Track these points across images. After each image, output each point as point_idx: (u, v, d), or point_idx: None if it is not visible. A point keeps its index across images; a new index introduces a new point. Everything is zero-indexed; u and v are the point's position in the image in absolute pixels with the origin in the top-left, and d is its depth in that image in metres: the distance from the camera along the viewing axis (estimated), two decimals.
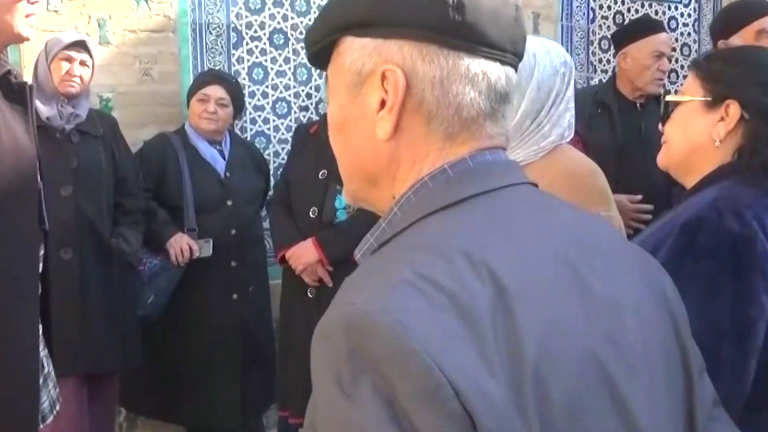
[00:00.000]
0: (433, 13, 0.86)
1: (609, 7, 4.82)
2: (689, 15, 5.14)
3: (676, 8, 5.08)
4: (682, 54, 5.13)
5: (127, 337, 3.12)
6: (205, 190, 3.36)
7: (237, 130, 3.70)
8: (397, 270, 0.76)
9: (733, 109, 1.45)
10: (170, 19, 3.55)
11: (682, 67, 5.14)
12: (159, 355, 3.29)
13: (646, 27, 3.43)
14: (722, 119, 1.47)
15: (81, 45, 3.02)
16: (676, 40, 5.08)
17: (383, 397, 0.69)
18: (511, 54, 0.90)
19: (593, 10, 4.76)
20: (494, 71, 0.88)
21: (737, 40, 2.73)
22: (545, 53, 1.81)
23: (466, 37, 0.86)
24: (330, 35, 0.92)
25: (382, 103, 0.88)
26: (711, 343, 1.22)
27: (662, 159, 1.58)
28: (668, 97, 1.60)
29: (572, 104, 1.87)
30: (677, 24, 5.10)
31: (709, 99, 1.48)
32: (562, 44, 4.64)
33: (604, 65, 4.77)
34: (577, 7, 4.70)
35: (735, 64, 1.51)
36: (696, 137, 1.50)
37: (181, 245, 3.24)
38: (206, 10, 3.65)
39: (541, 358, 0.74)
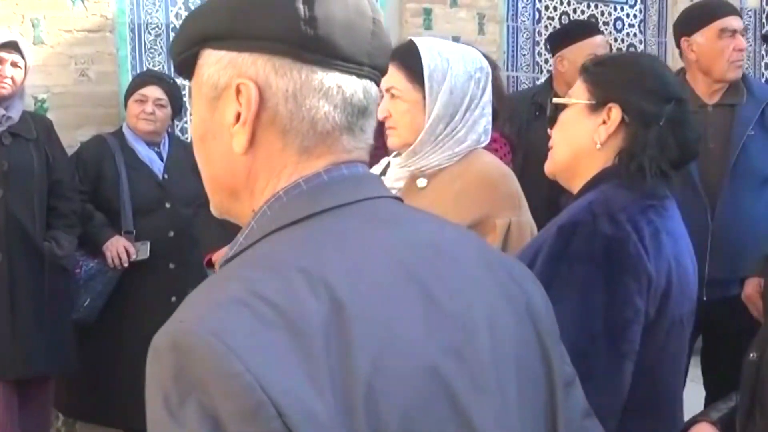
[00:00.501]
0: (286, 26, 0.85)
1: (555, 8, 4.86)
2: (635, 16, 5.20)
3: (622, 9, 5.14)
4: None
5: (62, 341, 3.08)
6: (142, 192, 3.33)
7: (177, 131, 3.67)
8: (230, 287, 0.76)
9: (615, 112, 1.47)
10: (107, 18, 3.51)
11: None
12: (96, 359, 3.25)
13: (581, 30, 3.46)
14: (604, 123, 1.48)
15: (12, 46, 2.98)
16: (622, 41, 5.15)
17: (209, 417, 0.69)
18: (368, 67, 0.90)
19: (539, 11, 4.80)
20: (350, 85, 0.88)
21: (700, 37, 2.77)
22: (459, 58, 1.82)
23: (318, 50, 0.86)
24: (189, 48, 0.92)
25: (238, 117, 0.87)
26: (585, 346, 1.23)
27: (548, 165, 1.58)
28: (555, 100, 1.61)
29: (489, 110, 1.88)
30: (623, 25, 5.16)
31: (593, 102, 1.50)
32: (507, 45, 4.67)
33: (550, 66, 4.81)
34: (522, 7, 4.74)
35: (619, 69, 1.53)
36: (579, 141, 1.51)
37: (118, 248, 3.21)
38: (145, 9, 3.62)
39: (374, 375, 0.74)
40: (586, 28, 3.52)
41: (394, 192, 1.86)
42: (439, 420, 0.78)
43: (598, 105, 1.49)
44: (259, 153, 0.88)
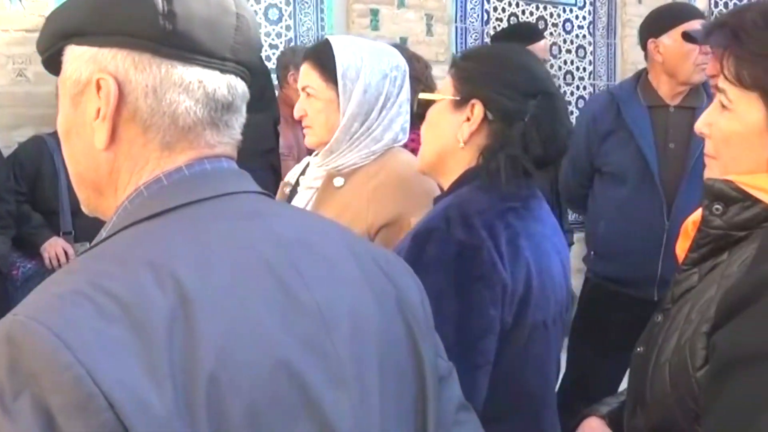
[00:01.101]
0: (145, 21, 0.86)
1: (503, 9, 4.90)
2: (584, 17, 5.25)
3: (571, 11, 5.19)
4: (577, 56, 5.24)
5: None
6: None
7: None
8: (73, 280, 0.76)
9: (477, 109, 1.41)
10: (45, 18, 3.46)
11: (577, 68, 5.26)
12: None
13: (523, 35, 3.48)
14: (468, 119, 1.42)
15: None
16: (571, 42, 5.20)
17: (42, 411, 0.69)
18: (233, 63, 0.91)
19: (487, 12, 4.83)
20: (212, 80, 0.89)
21: (667, 39, 2.79)
22: (374, 57, 1.82)
23: (178, 45, 0.86)
24: (53, 44, 0.92)
25: (99, 112, 0.87)
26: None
27: (418, 163, 1.54)
28: (420, 96, 1.56)
29: (406, 108, 1.88)
30: (572, 26, 5.21)
31: (458, 98, 1.44)
32: (456, 45, 4.69)
33: None
34: (471, 8, 4.77)
35: (483, 63, 1.46)
36: (444, 138, 1.45)
37: (56, 249, 3.19)
38: None
39: (219, 368, 0.74)
40: (528, 33, 3.54)
41: (311, 192, 1.90)
42: (289, 413, 0.79)
43: (462, 101, 1.43)
44: (120, 149, 0.89)
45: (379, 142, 1.83)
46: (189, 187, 0.87)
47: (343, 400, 0.83)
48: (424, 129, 1.52)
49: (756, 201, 1.06)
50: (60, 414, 0.68)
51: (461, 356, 1.17)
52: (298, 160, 2.70)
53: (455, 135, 1.43)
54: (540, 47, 3.42)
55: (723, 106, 1.11)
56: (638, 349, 1.21)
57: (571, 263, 1.53)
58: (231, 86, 0.91)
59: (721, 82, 1.11)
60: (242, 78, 0.93)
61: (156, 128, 0.87)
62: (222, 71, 0.90)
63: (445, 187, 1.48)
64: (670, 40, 2.79)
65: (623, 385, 2.48)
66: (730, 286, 1.03)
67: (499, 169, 1.37)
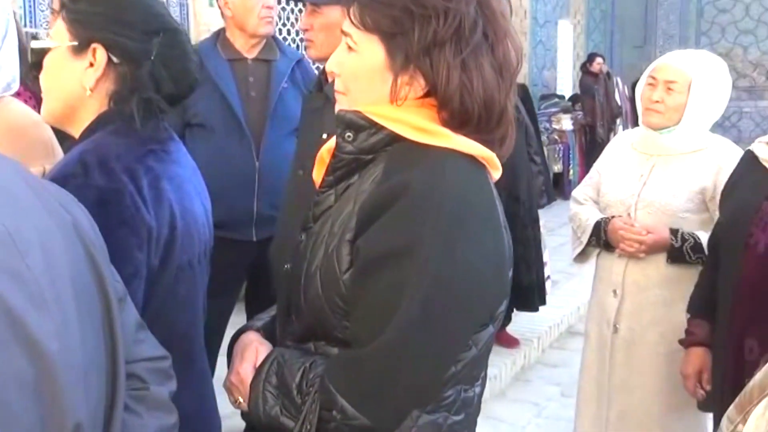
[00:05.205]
0: None
1: None
2: None
3: None
4: None
5: None
6: None
7: None
8: None
9: (100, 53, 1.37)
10: None
11: None
12: None
13: None
14: (91, 65, 1.37)
15: None
16: None
17: None
18: None
19: None
20: None
21: None
22: None
23: None
24: None
25: None
26: None
27: (43, 114, 1.46)
28: (32, 44, 1.47)
29: (14, 54, 1.77)
30: None
31: (75, 44, 1.38)
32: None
33: None
34: None
35: (98, 4, 1.40)
36: (68, 88, 1.39)
37: None
38: None
39: None
40: None
41: None
42: (2, 340, 0.78)
43: (80, 46, 1.37)
44: None
45: None
46: None
47: (47, 322, 0.84)
48: (44, 79, 1.44)
49: (380, 128, 1.24)
50: None
51: None
52: None
53: (80, 82, 1.38)
54: None
55: (349, 48, 1.28)
56: (286, 267, 1.34)
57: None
58: None
59: (347, 27, 1.27)
60: None
61: None
62: None
63: (77, 136, 1.42)
64: None
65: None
66: (365, 199, 1.20)
67: (133, 113, 1.35)
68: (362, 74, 1.26)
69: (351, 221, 1.21)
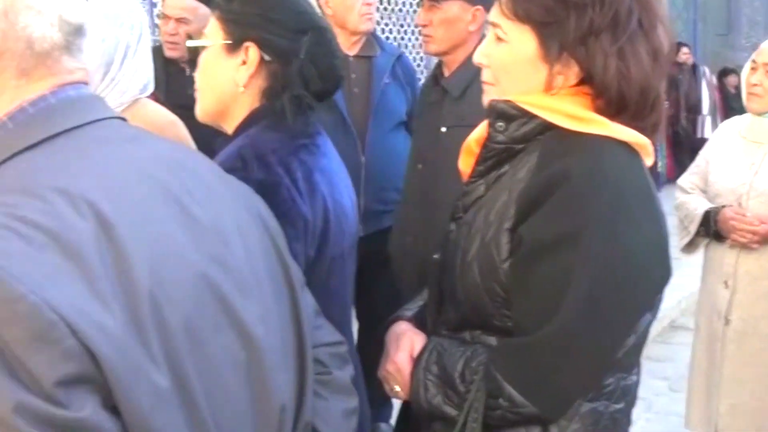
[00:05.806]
0: None
1: None
2: None
3: None
4: None
5: None
6: None
7: None
8: None
9: (252, 51, 1.40)
10: None
11: None
12: None
13: None
14: (244, 63, 1.41)
15: None
16: None
17: None
18: None
19: None
20: (62, 1, 0.85)
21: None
22: (106, 5, 1.75)
23: None
24: None
25: None
26: None
27: (197, 112, 1.50)
28: (188, 43, 1.50)
29: (148, 57, 1.83)
30: None
31: (229, 42, 1.42)
32: None
33: None
34: None
35: (251, 4, 1.44)
36: (222, 85, 1.43)
37: None
38: None
39: (155, 286, 0.75)
40: None
41: None
42: (215, 321, 0.82)
43: (235, 45, 1.42)
44: None
45: (125, 93, 1.77)
46: (60, 115, 0.84)
47: (252, 309, 0.88)
48: (199, 76, 1.48)
49: (532, 117, 1.25)
50: (18, 347, 0.64)
51: None
52: None
53: (233, 80, 1.42)
54: None
55: (499, 39, 1.28)
56: (435, 257, 1.36)
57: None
58: (80, 7, 0.87)
59: (496, 17, 1.28)
60: None
61: (11, 55, 0.82)
62: None
63: (229, 131, 1.46)
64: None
65: None
66: (523, 188, 1.21)
67: (285, 109, 1.39)
68: (513, 64, 1.27)
69: (509, 210, 1.21)
